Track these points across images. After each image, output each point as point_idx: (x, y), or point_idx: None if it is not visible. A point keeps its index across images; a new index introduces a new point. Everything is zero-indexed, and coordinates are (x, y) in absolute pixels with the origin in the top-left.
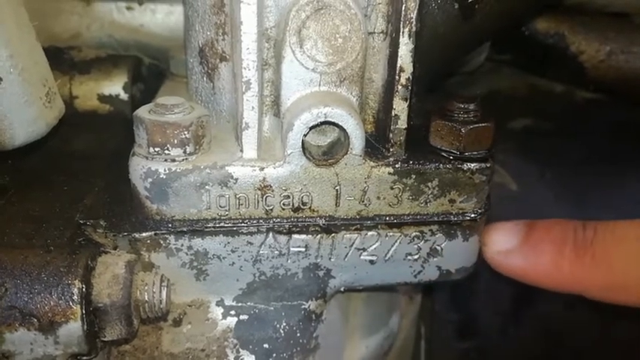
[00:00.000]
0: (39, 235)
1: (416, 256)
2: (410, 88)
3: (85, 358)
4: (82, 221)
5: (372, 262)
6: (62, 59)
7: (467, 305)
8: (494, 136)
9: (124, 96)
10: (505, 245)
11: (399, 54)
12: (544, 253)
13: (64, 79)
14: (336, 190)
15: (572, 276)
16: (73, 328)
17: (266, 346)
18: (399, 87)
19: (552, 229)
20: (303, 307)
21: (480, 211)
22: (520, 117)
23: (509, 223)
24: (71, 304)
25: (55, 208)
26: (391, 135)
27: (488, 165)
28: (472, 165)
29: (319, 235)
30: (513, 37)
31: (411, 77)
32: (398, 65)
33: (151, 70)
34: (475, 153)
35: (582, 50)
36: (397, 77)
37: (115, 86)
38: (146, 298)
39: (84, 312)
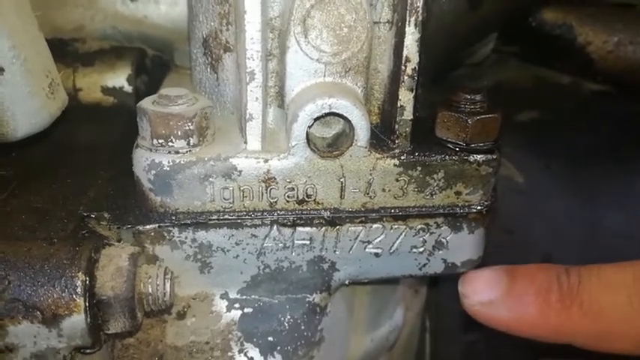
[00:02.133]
0: (42, 227)
1: (421, 249)
2: (416, 78)
3: (88, 351)
4: (85, 214)
5: (377, 254)
6: (66, 51)
7: None
8: (500, 128)
9: (127, 88)
10: (487, 296)
11: (405, 44)
12: (529, 304)
13: (67, 71)
14: (341, 182)
15: (560, 327)
16: (77, 321)
17: (270, 339)
18: (405, 77)
19: (536, 278)
20: (307, 300)
21: (486, 203)
22: (527, 109)
23: (488, 272)
24: (74, 296)
25: (58, 200)
26: (397, 126)
27: (494, 156)
28: (478, 156)
29: (324, 228)
30: (520, 28)
31: (417, 67)
32: (404, 55)
33: (154, 61)
34: (481, 144)
35: (590, 41)
36: (403, 67)
37: (119, 78)
38: (150, 291)
39: (87, 305)
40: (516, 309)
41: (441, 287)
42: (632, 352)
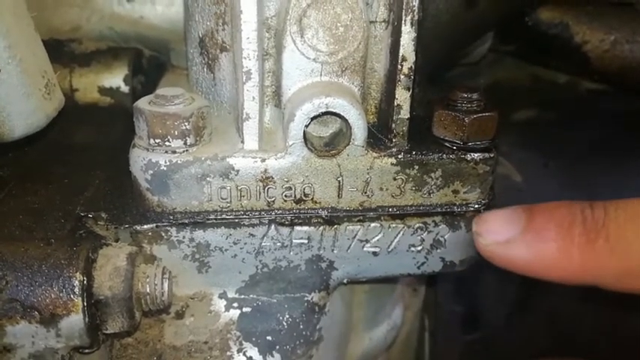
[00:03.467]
0: (39, 227)
1: (419, 248)
2: (412, 77)
3: (87, 350)
4: (82, 214)
5: (375, 253)
6: (62, 52)
7: (471, 297)
8: (497, 126)
9: (124, 88)
10: (504, 235)
11: (401, 43)
12: (550, 240)
13: (64, 72)
14: (339, 181)
15: (585, 264)
16: (75, 321)
17: (269, 338)
18: (402, 76)
19: (557, 212)
20: (306, 299)
21: (483, 201)
22: (524, 108)
23: (506, 210)
24: (72, 296)
25: (55, 200)
26: (394, 125)
27: (491, 155)
28: (476, 155)
29: (322, 227)
30: (517, 27)
31: (413, 66)
32: (400, 54)
33: (151, 62)
34: (479, 143)
35: (586, 40)
36: (399, 66)
37: (116, 78)
38: (147, 291)
39: (85, 304)
40: (536, 246)
41: (439, 286)
42: None
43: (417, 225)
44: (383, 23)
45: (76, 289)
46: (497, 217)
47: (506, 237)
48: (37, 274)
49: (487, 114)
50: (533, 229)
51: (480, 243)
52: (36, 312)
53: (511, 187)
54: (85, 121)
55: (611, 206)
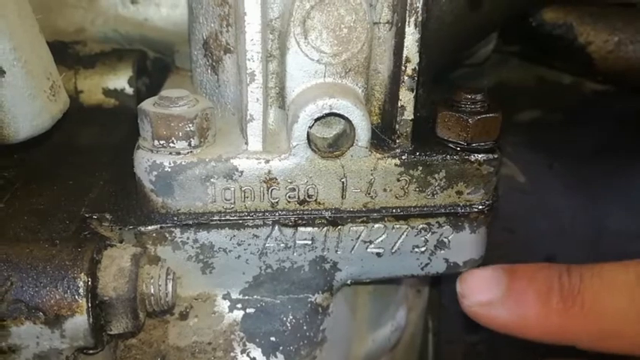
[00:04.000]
0: (44, 228)
1: (423, 249)
2: (416, 78)
3: (91, 351)
4: (87, 215)
5: (378, 254)
6: (67, 54)
7: None
8: (501, 127)
9: (129, 90)
10: (486, 296)
11: (405, 44)
12: (529, 305)
13: (69, 74)
14: (342, 182)
15: (561, 328)
16: (79, 322)
17: (273, 339)
18: (405, 77)
19: (536, 277)
20: (309, 300)
21: (487, 202)
22: (528, 109)
23: (487, 271)
24: (77, 297)
25: (60, 201)
26: (397, 126)
27: (495, 156)
28: (479, 156)
29: (325, 228)
30: (521, 28)
31: (417, 67)
32: (404, 55)
33: (156, 64)
34: (482, 144)
35: (590, 41)
36: (403, 68)
37: (120, 80)
38: (152, 292)
39: (90, 305)
40: (516, 310)
41: (443, 287)
42: (634, 352)
43: (421, 226)
44: (387, 24)
45: (81, 290)
46: (479, 278)
47: (487, 299)
48: (42, 275)
49: (491, 115)
50: (514, 294)
51: (463, 304)
52: (41, 313)
53: (515, 188)
54: (90, 123)
55: (587, 272)
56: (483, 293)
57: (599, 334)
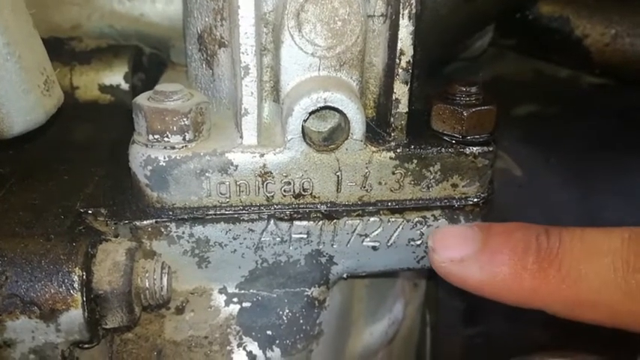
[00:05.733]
0: (39, 223)
1: (419, 242)
2: (410, 71)
3: (87, 345)
4: (82, 210)
5: (374, 248)
6: (63, 50)
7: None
8: (496, 120)
9: (124, 86)
10: (458, 253)
11: (399, 37)
12: (503, 263)
13: (64, 70)
14: (337, 175)
15: (535, 291)
16: (74, 316)
17: (269, 332)
18: (400, 70)
19: (512, 236)
20: (305, 293)
21: (482, 195)
22: (525, 102)
23: (463, 226)
24: (72, 291)
25: (55, 196)
26: (392, 119)
27: (490, 149)
28: (474, 149)
29: (321, 222)
30: (517, 21)
31: (411, 60)
32: (398, 48)
33: (151, 59)
34: (477, 136)
35: (587, 34)
36: (397, 60)
37: (116, 76)
38: (147, 286)
39: (85, 299)
40: (489, 268)
41: (440, 281)
42: (606, 323)
43: (416, 219)
44: (381, 17)
45: (76, 284)
46: (453, 233)
47: (460, 255)
48: (37, 270)
49: (485, 107)
50: (488, 251)
51: (434, 259)
52: (36, 307)
53: (511, 181)
54: (86, 119)
55: (567, 235)
56: (456, 249)
57: (574, 300)
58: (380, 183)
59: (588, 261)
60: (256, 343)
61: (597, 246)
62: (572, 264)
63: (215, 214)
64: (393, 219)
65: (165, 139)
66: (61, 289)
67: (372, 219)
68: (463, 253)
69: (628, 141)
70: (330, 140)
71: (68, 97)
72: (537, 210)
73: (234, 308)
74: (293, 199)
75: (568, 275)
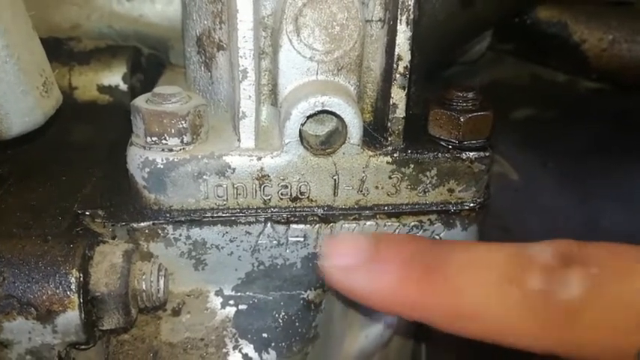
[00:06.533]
0: (37, 224)
1: None
2: (408, 76)
3: (83, 347)
4: (79, 211)
5: None
6: (61, 50)
7: None
8: (493, 125)
9: (123, 86)
10: (348, 260)
11: (397, 42)
12: (390, 273)
13: (63, 70)
14: (334, 179)
15: (419, 302)
16: (71, 317)
17: (265, 335)
18: (397, 75)
19: (402, 247)
20: (302, 296)
21: (479, 200)
22: (522, 107)
23: (353, 236)
24: (69, 293)
25: (53, 198)
26: (389, 124)
27: (487, 154)
28: (471, 154)
29: (317, 225)
30: (515, 26)
31: (409, 65)
32: (396, 53)
33: (150, 60)
34: (474, 142)
35: (585, 39)
36: (395, 65)
37: (115, 77)
38: (144, 287)
39: (81, 301)
40: (377, 278)
41: None
42: (485, 337)
43: (413, 223)
44: (379, 22)
45: (73, 286)
46: (344, 241)
47: (349, 263)
48: (34, 271)
49: (482, 113)
50: (377, 262)
51: (323, 265)
52: (32, 308)
53: (509, 186)
54: (84, 119)
55: (458, 247)
56: (346, 256)
57: (456, 313)
58: (377, 187)
59: (473, 274)
60: (252, 346)
61: (483, 260)
62: (456, 276)
63: (212, 217)
64: (390, 223)
65: (163, 141)
66: (58, 291)
67: (368, 223)
68: (352, 261)
69: (625, 145)
70: (328, 144)
71: (67, 98)
72: (534, 215)
73: (231, 310)
74: (290, 203)
75: (452, 286)
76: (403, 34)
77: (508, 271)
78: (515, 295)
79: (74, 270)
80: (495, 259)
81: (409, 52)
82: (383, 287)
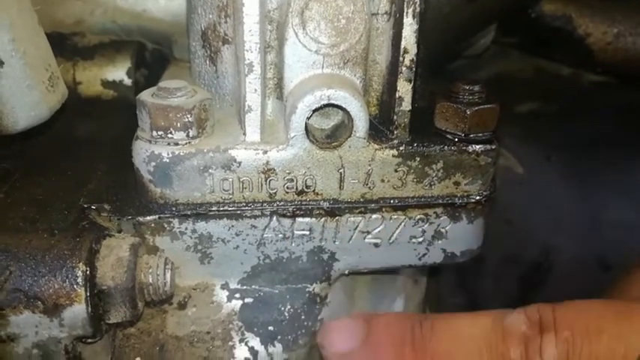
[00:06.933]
0: (43, 218)
1: (420, 239)
2: (414, 69)
3: (90, 340)
4: (86, 205)
5: (376, 245)
6: (66, 45)
7: (473, 288)
8: (500, 118)
9: (127, 81)
10: (344, 347)
11: (403, 35)
12: (384, 355)
13: (67, 65)
14: (340, 173)
15: None
16: (78, 311)
17: (271, 328)
18: (403, 68)
19: (391, 329)
20: (307, 290)
21: (485, 193)
22: (527, 100)
23: (347, 322)
24: (75, 286)
25: (59, 192)
26: (395, 117)
27: (493, 147)
28: (477, 147)
29: (323, 219)
30: (520, 19)
31: (415, 58)
32: (402, 46)
33: (154, 55)
34: (480, 135)
35: (589, 33)
36: (401, 58)
37: (119, 72)
38: (150, 281)
39: (88, 294)
40: None
41: (441, 278)
42: None
43: (419, 216)
44: (385, 15)
45: (79, 280)
46: (338, 328)
47: (346, 349)
48: (41, 265)
49: (488, 106)
50: (370, 346)
51: (323, 353)
52: (39, 302)
53: (513, 179)
54: (89, 114)
55: (439, 323)
56: (342, 343)
57: None
58: (382, 180)
59: (458, 347)
60: (258, 339)
61: (465, 333)
62: (443, 351)
63: (218, 211)
64: (395, 216)
65: (169, 135)
66: (64, 284)
67: (374, 216)
68: (348, 347)
69: (629, 139)
70: (333, 137)
71: (71, 93)
72: (538, 208)
73: (237, 304)
74: (296, 196)
75: None
76: (410, 27)
77: (488, 340)
78: None
79: (81, 263)
80: (476, 331)
81: (415, 44)
82: None
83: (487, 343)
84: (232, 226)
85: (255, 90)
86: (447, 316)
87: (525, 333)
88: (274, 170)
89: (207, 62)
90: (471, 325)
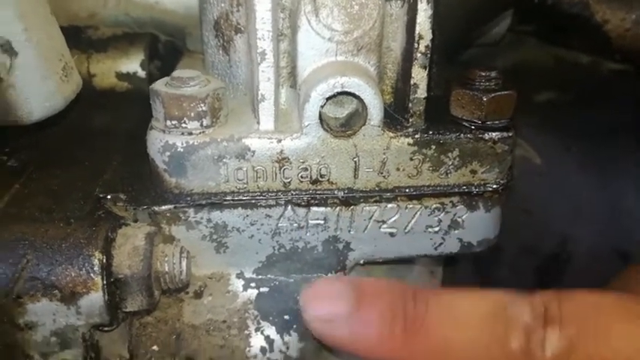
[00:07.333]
0: (59, 208)
1: (436, 228)
2: (429, 55)
3: (106, 328)
4: (101, 195)
5: (391, 234)
6: (80, 38)
7: (489, 279)
8: (516, 105)
9: (141, 73)
10: (329, 312)
11: (418, 20)
12: (372, 328)
13: (81, 58)
14: (355, 161)
15: (403, 356)
16: (95, 299)
17: (286, 317)
18: (418, 55)
19: (382, 300)
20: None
21: (502, 182)
22: (545, 89)
23: (334, 284)
24: (92, 275)
25: (74, 182)
26: (410, 105)
27: (510, 134)
28: (494, 134)
29: (338, 208)
30: (536, 6)
31: (430, 44)
32: (416, 32)
33: (167, 47)
34: (497, 122)
35: (607, 19)
36: (416, 45)
37: (133, 64)
38: (166, 270)
39: (105, 283)
40: (358, 332)
41: (457, 268)
42: None
43: (435, 205)
44: (399, 1)
45: (96, 268)
46: (324, 292)
47: (330, 315)
48: (58, 253)
49: (505, 92)
50: (358, 315)
51: (305, 317)
52: (56, 290)
53: (531, 170)
54: (103, 106)
55: (434, 300)
56: (326, 308)
57: None
58: (398, 169)
59: (456, 330)
60: (274, 328)
61: (465, 314)
62: (439, 330)
63: (233, 200)
64: (411, 205)
65: (183, 125)
66: (81, 273)
67: (389, 205)
68: (333, 314)
69: None
70: (348, 126)
71: (86, 85)
72: (557, 198)
73: (252, 293)
74: (310, 185)
75: (436, 344)
76: (424, 13)
77: (491, 325)
78: (498, 354)
79: (97, 252)
80: (473, 312)
81: (430, 30)
82: (366, 341)
83: (489, 326)
84: (247, 215)
85: (269, 79)
86: (443, 294)
87: (528, 324)
88: (288, 159)
89: (220, 52)
90: (471, 309)
